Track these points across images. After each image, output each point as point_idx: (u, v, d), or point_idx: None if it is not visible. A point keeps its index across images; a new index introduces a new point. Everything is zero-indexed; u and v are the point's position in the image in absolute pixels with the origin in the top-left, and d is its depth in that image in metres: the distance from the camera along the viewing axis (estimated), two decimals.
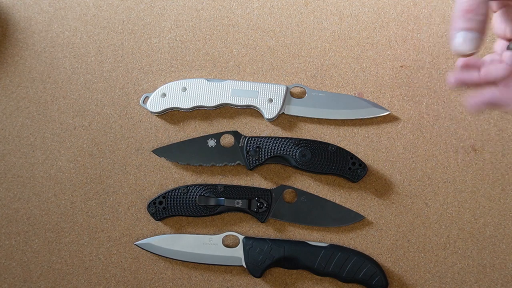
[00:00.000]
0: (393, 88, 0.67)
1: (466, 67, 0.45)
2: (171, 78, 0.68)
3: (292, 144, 0.64)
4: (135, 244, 0.65)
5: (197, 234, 0.65)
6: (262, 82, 0.67)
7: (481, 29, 0.40)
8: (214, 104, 0.65)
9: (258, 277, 0.63)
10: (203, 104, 0.65)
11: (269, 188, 0.65)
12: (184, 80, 0.66)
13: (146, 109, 0.66)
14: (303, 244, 0.63)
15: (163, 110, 0.66)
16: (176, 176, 0.66)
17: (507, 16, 0.45)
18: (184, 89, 0.66)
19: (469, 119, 0.66)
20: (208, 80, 0.66)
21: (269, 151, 0.64)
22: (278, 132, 0.67)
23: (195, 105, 0.65)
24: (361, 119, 0.66)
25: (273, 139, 0.65)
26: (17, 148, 0.67)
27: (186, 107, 0.65)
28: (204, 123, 0.67)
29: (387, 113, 0.66)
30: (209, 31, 0.69)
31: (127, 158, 0.67)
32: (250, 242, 0.63)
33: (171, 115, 0.67)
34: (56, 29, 0.69)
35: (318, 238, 0.65)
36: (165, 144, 0.66)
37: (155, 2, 0.70)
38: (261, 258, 0.62)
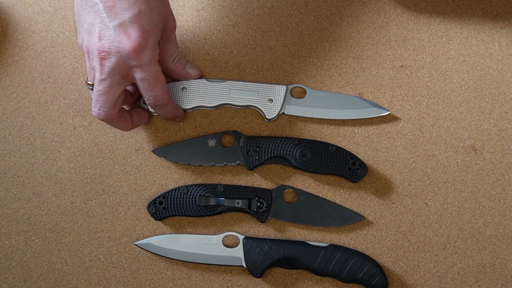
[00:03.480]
0: (393, 88, 0.67)
1: None
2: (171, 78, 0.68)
3: (292, 144, 0.64)
4: (135, 244, 0.65)
5: (197, 234, 0.65)
6: (262, 82, 0.67)
7: None
8: (214, 105, 0.65)
9: (258, 277, 0.63)
10: (203, 105, 0.65)
11: (269, 188, 0.65)
12: (184, 80, 0.66)
13: (146, 109, 0.66)
14: (303, 244, 0.63)
15: None
16: (176, 176, 0.66)
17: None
18: (184, 89, 0.66)
19: (469, 119, 0.66)
20: (208, 80, 0.66)
21: (269, 151, 0.64)
22: (278, 132, 0.67)
23: (195, 105, 0.65)
24: (361, 119, 0.66)
25: (273, 139, 0.65)
26: (17, 148, 0.67)
27: (186, 108, 0.65)
28: (204, 123, 0.67)
29: (387, 113, 0.66)
30: (209, 31, 0.69)
31: (127, 158, 0.67)
32: (250, 242, 0.63)
33: None
34: (56, 29, 0.69)
35: (318, 238, 0.65)
36: (165, 144, 0.66)
37: None
38: (261, 258, 0.62)
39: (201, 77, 0.67)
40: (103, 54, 0.54)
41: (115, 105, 0.57)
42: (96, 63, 0.55)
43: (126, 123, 0.61)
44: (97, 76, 0.55)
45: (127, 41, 0.54)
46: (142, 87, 0.57)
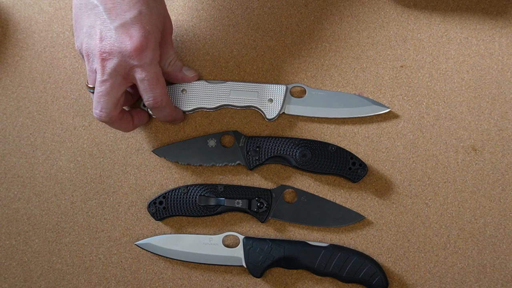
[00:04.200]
0: (393, 88, 0.67)
1: None
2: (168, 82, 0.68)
3: (292, 144, 0.64)
4: (135, 244, 0.65)
5: (197, 234, 0.65)
6: (262, 82, 0.67)
7: None
8: (214, 106, 0.65)
9: (258, 277, 0.63)
10: (203, 106, 0.65)
11: (269, 188, 0.65)
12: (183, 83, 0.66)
13: (146, 112, 0.66)
14: (303, 244, 0.63)
15: None
16: (176, 176, 0.66)
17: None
18: (184, 91, 0.66)
19: (469, 119, 0.66)
20: (207, 82, 0.66)
21: (269, 151, 0.64)
22: (278, 132, 0.67)
23: (195, 107, 0.65)
24: (362, 118, 0.66)
25: (273, 139, 0.65)
26: (17, 148, 0.67)
27: (186, 110, 0.65)
28: (204, 123, 0.67)
29: (388, 110, 0.66)
30: (209, 31, 0.69)
31: (127, 158, 0.67)
32: (250, 242, 0.63)
33: None
34: (56, 29, 0.69)
35: (318, 238, 0.65)
36: (165, 144, 0.66)
37: None
38: (261, 258, 0.62)
39: (200, 78, 0.67)
40: (104, 55, 0.54)
41: (116, 106, 0.57)
42: (97, 64, 0.55)
43: (127, 124, 0.62)
44: (99, 77, 0.55)
45: (128, 41, 0.54)
46: (141, 87, 0.57)
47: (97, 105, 0.57)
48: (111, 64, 0.54)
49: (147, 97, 0.58)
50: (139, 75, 0.56)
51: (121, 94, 0.57)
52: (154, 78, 0.57)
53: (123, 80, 0.56)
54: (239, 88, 0.65)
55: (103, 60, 0.54)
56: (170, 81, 0.65)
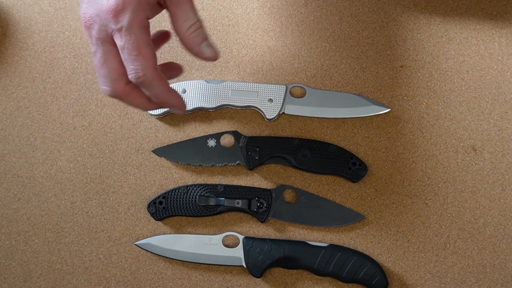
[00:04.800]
0: (393, 88, 0.67)
1: None
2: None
3: (292, 144, 0.64)
4: (135, 244, 0.65)
5: (197, 234, 0.65)
6: (262, 82, 0.67)
7: None
8: (214, 106, 0.65)
9: (258, 277, 0.63)
10: (203, 106, 0.65)
11: (269, 188, 0.65)
12: (183, 82, 0.66)
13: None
14: (303, 244, 0.63)
15: (163, 113, 0.66)
16: (176, 176, 0.66)
17: None
18: (184, 91, 0.66)
19: (469, 119, 0.66)
20: (207, 82, 0.66)
21: (269, 151, 0.64)
22: (278, 132, 0.67)
23: (195, 107, 0.65)
24: (362, 118, 0.66)
25: (273, 139, 0.65)
26: (17, 148, 0.67)
27: (186, 109, 0.65)
28: (204, 123, 0.67)
29: (388, 110, 0.66)
30: (209, 31, 0.69)
31: (127, 158, 0.67)
32: (250, 242, 0.63)
33: (171, 115, 0.67)
34: (56, 29, 0.69)
35: (318, 238, 0.65)
36: (165, 144, 0.66)
37: None
38: (261, 258, 0.62)
39: (200, 78, 0.67)
40: (86, 21, 0.48)
41: (119, 77, 0.50)
42: (87, 34, 0.49)
43: (140, 100, 0.52)
44: (91, 49, 0.49)
45: (105, 1, 0.47)
46: (123, 57, 0.49)
47: (99, 79, 0.50)
48: (93, 31, 0.48)
49: (129, 70, 0.48)
50: (118, 41, 0.47)
51: (118, 63, 0.49)
52: (135, 46, 0.47)
53: (113, 47, 0.48)
54: (239, 88, 0.66)
55: (87, 28, 0.49)
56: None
